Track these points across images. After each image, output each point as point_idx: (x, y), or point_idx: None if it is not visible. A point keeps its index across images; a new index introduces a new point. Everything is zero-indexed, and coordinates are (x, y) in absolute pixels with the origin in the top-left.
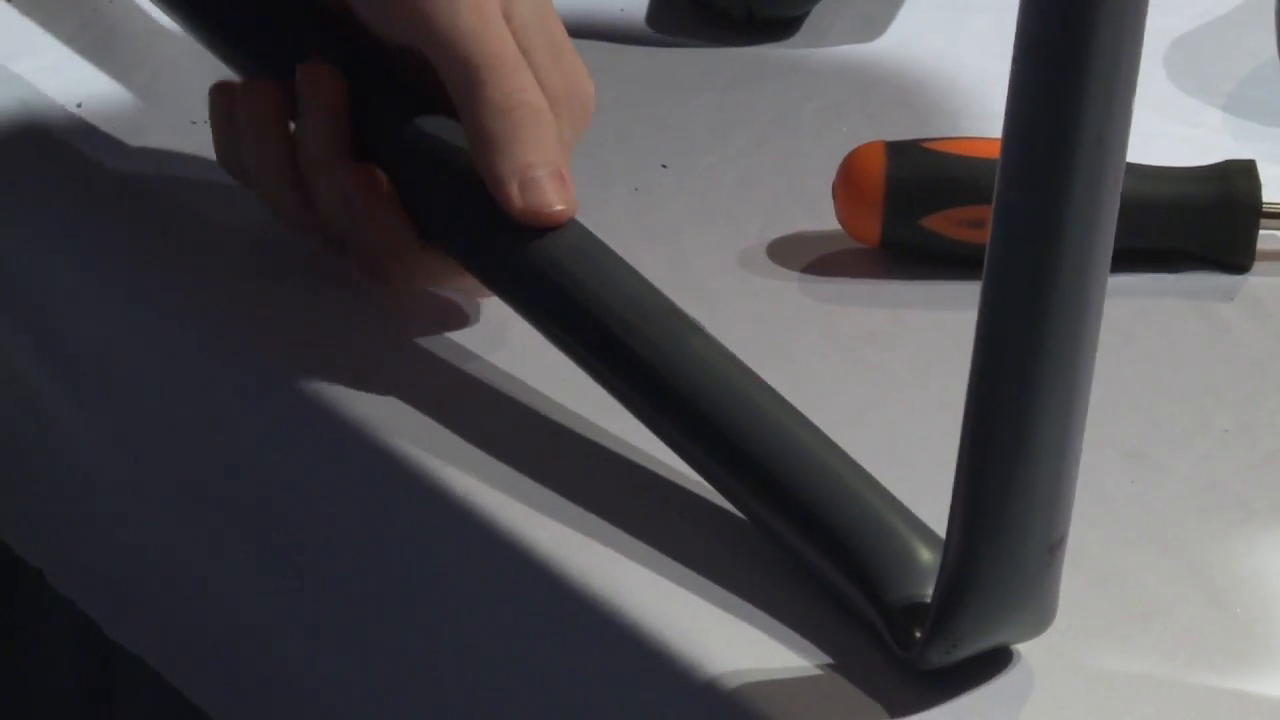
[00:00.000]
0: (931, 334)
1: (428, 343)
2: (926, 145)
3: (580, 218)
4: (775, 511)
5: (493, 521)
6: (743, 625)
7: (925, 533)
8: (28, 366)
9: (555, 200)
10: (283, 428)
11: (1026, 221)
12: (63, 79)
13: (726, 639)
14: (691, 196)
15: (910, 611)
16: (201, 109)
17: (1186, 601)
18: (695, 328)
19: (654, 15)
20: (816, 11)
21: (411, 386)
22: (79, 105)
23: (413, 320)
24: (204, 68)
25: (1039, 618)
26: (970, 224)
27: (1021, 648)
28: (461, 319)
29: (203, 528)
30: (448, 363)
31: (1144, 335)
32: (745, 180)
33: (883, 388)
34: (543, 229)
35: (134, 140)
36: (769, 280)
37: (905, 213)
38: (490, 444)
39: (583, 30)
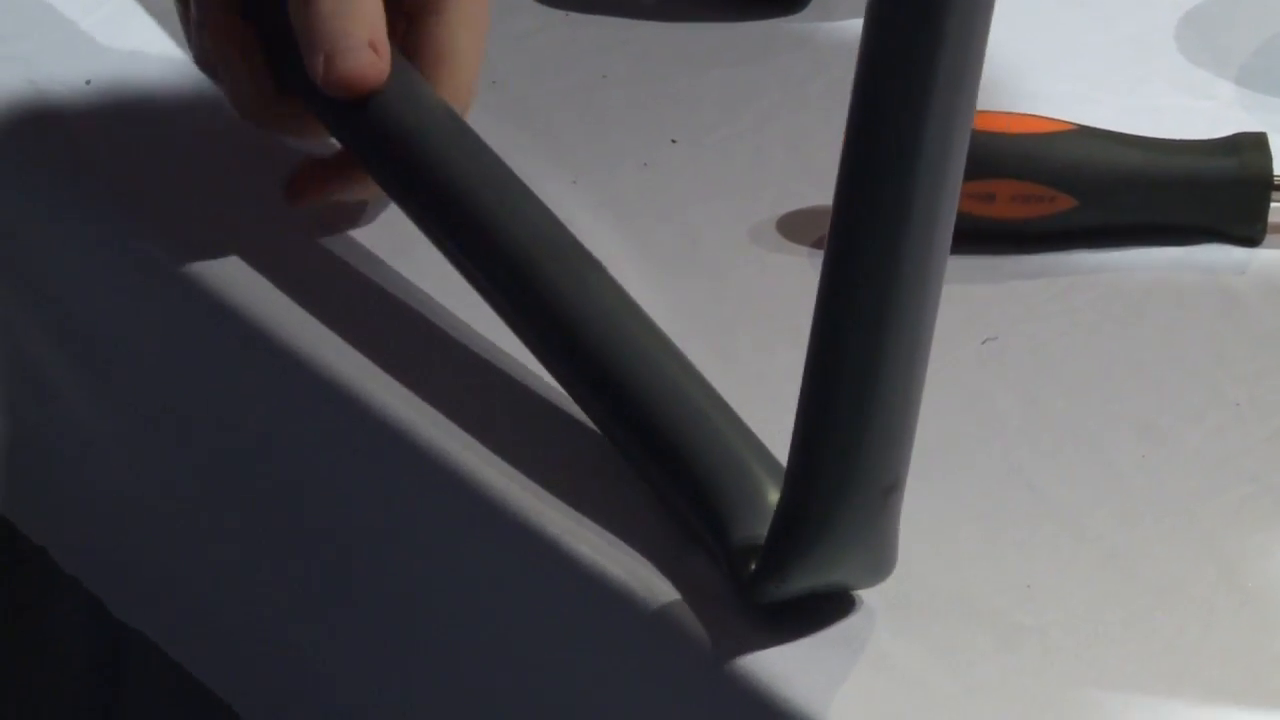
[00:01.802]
0: (940, 305)
1: (449, 325)
2: None
3: (589, 193)
4: (638, 443)
5: (506, 507)
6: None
7: (782, 475)
8: (34, 344)
9: (360, 69)
10: (293, 407)
11: (879, 151)
12: (72, 56)
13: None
14: (701, 172)
15: (752, 547)
16: (214, 86)
17: (1198, 576)
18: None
19: None
20: None
21: (430, 372)
22: (88, 82)
23: (434, 302)
24: None
25: (876, 562)
26: (979, 198)
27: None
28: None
29: (208, 506)
30: (469, 348)
31: (1156, 309)
32: (755, 155)
33: None
34: (357, 96)
35: (143, 117)
36: (779, 255)
37: None
38: (508, 435)
39: (592, 5)
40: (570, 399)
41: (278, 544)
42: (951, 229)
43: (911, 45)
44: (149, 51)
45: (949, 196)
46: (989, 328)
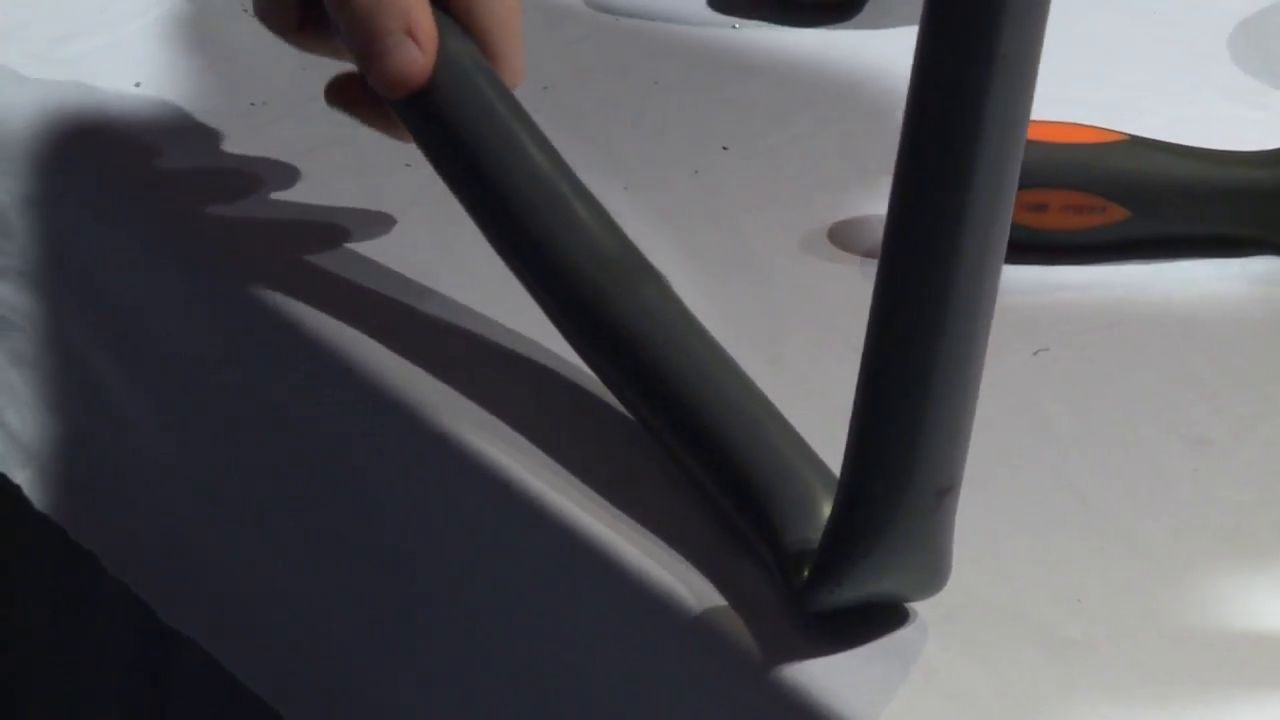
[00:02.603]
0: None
1: (492, 331)
2: None
3: (640, 199)
4: (688, 447)
5: (551, 510)
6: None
7: (834, 484)
8: (84, 348)
9: (399, 70)
10: (347, 414)
11: (936, 157)
12: (121, 59)
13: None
14: (753, 179)
15: (804, 554)
16: (260, 91)
17: (1249, 590)
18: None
19: None
20: None
21: (477, 376)
22: (137, 84)
23: (475, 310)
24: (266, 50)
25: (931, 572)
26: (1033, 208)
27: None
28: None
29: (258, 512)
30: (516, 351)
31: (1208, 321)
32: (807, 163)
33: None
34: (406, 94)
35: (193, 120)
36: (831, 264)
37: None
38: (554, 438)
39: (644, 11)
40: (619, 402)
41: (328, 550)
42: (1008, 226)
43: (967, 54)
44: (200, 57)
45: (1006, 197)
46: (1040, 338)
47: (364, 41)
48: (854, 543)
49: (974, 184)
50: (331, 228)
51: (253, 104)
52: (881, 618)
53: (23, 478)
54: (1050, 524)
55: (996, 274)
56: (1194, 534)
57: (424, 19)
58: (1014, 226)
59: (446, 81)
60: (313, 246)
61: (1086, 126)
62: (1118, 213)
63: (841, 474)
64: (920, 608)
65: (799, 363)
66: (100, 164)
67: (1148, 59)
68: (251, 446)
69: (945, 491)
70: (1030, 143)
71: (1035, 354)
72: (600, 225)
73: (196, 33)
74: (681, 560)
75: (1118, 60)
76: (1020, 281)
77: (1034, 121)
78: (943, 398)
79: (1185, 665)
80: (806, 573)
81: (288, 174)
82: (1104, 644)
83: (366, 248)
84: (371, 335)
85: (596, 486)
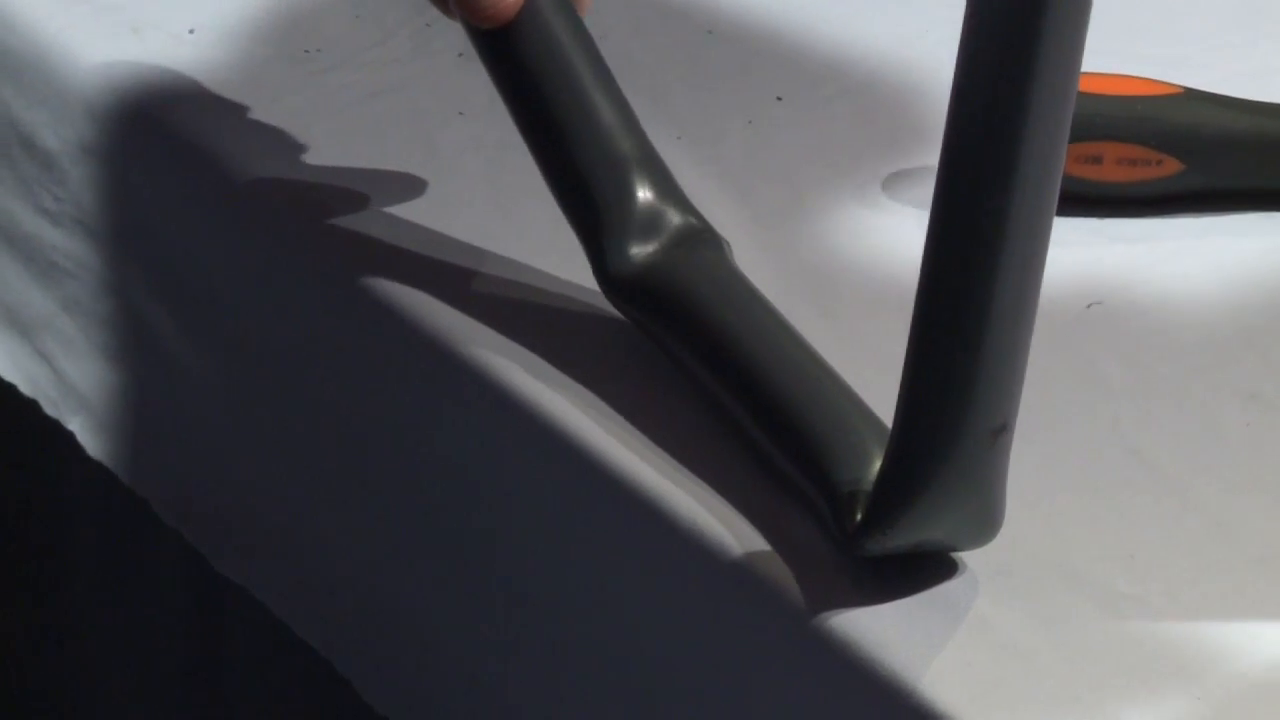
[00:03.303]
0: (1044, 271)
1: (548, 286)
2: None
3: (693, 149)
4: (740, 400)
5: (603, 461)
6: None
7: (887, 435)
8: (138, 297)
9: (486, 4)
10: (397, 365)
11: (990, 109)
12: (175, 5)
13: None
14: (807, 131)
15: (857, 497)
16: (314, 39)
17: None
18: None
19: None
20: None
21: (526, 327)
22: (191, 31)
23: (531, 266)
24: None
25: (983, 520)
26: (1085, 160)
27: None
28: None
29: (304, 462)
30: (559, 306)
31: (1263, 276)
32: (862, 114)
33: None
34: (495, 24)
35: (246, 68)
36: (885, 217)
37: None
38: (604, 390)
39: None
40: (672, 360)
41: (383, 504)
42: (1060, 169)
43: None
44: (251, 1)
45: (1059, 138)
46: (1094, 292)
47: None
48: (908, 483)
49: (1028, 118)
50: (386, 179)
51: (306, 51)
52: (933, 569)
53: (76, 424)
54: (1103, 479)
55: (1053, 199)
56: (1247, 490)
57: None
58: (1067, 179)
59: (529, 22)
60: (365, 190)
61: (1141, 79)
62: (1172, 165)
63: (895, 415)
64: (972, 562)
65: (851, 314)
66: (153, 113)
67: (1203, 11)
68: (308, 400)
69: (999, 431)
70: (1084, 95)
71: (1089, 307)
72: (662, 187)
73: None
74: (732, 510)
75: (1173, 12)
76: (1073, 234)
77: (1088, 74)
78: (996, 334)
79: (1238, 621)
80: (859, 517)
81: (342, 127)
82: (1156, 599)
83: (423, 201)
84: (429, 292)
85: (653, 437)
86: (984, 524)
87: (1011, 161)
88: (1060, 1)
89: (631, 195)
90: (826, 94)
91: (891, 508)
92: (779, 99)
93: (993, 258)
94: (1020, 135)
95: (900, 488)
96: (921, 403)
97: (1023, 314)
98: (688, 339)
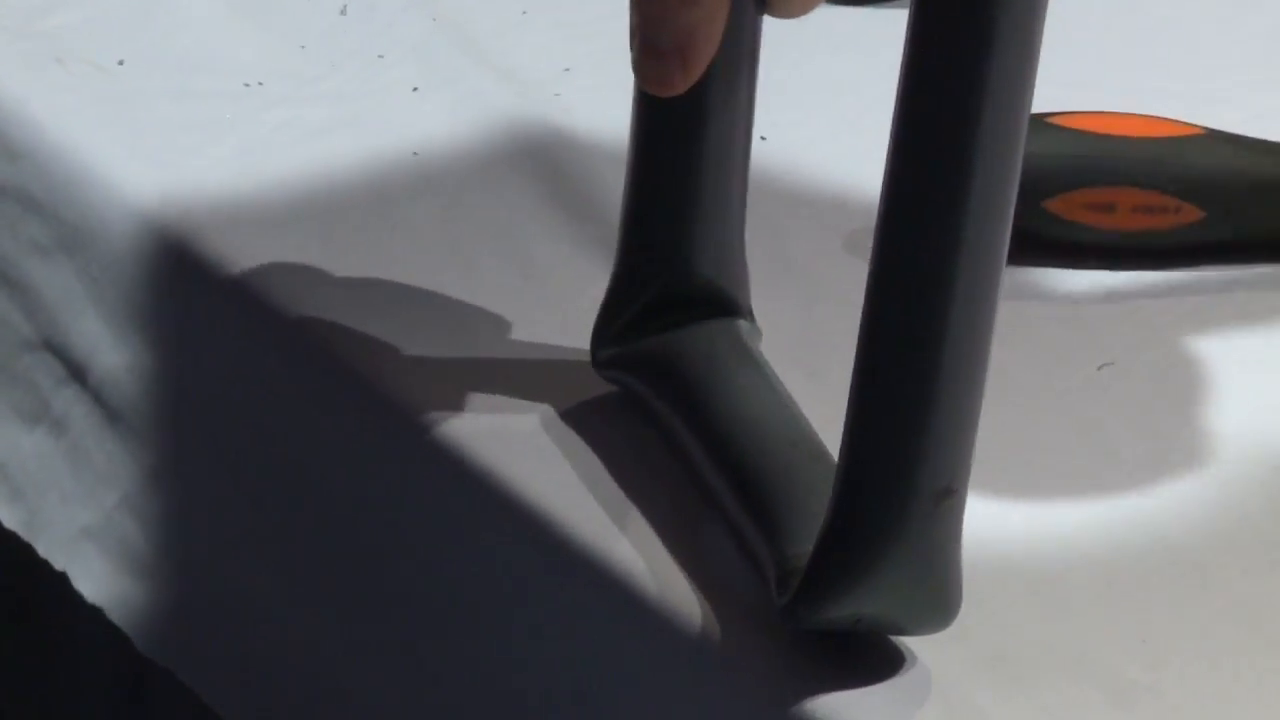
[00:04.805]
0: (1050, 325)
1: (501, 333)
2: (1050, 120)
3: None
4: (713, 466)
5: (535, 508)
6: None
7: None
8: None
9: (649, 75)
10: (338, 418)
11: (933, 147)
12: (102, 34)
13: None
14: (792, 173)
15: (801, 568)
16: (255, 71)
17: None
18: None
19: None
20: None
21: (475, 377)
22: (120, 62)
23: (486, 310)
24: (260, 25)
25: (932, 597)
26: (1097, 208)
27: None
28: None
29: (244, 536)
30: (516, 355)
31: None
32: (850, 155)
33: (998, 383)
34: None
35: (183, 103)
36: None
37: (1026, 194)
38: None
39: None
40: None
41: (307, 576)
42: (1010, 217)
43: (964, 21)
44: (185, 35)
45: (1008, 191)
46: (1105, 352)
47: (638, 27)
48: (842, 545)
49: (974, 161)
50: (333, 223)
51: (246, 84)
52: (897, 653)
53: None
54: (1113, 557)
55: (1002, 249)
56: (1271, 570)
57: (701, 45)
58: (1079, 228)
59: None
60: (310, 252)
61: (1158, 118)
62: (1192, 213)
63: (835, 477)
64: (968, 648)
65: (840, 378)
66: (77, 154)
67: (1226, 46)
68: (234, 467)
69: (945, 494)
70: (1096, 136)
71: (1099, 369)
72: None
73: (183, 5)
74: (675, 568)
75: (1193, 48)
76: (1083, 289)
77: (1101, 113)
78: (940, 388)
79: (1261, 712)
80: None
81: (286, 168)
82: (1172, 689)
83: (373, 241)
84: (375, 350)
85: (623, 509)
86: (935, 605)
87: (956, 203)
88: (1007, 19)
89: None
90: (812, 133)
91: (824, 571)
92: (763, 139)
93: (938, 303)
94: (965, 185)
95: (833, 549)
96: (859, 460)
97: (971, 363)
98: (669, 399)
